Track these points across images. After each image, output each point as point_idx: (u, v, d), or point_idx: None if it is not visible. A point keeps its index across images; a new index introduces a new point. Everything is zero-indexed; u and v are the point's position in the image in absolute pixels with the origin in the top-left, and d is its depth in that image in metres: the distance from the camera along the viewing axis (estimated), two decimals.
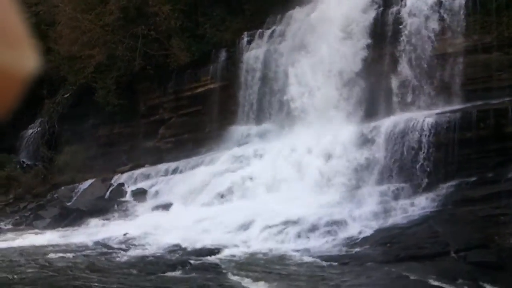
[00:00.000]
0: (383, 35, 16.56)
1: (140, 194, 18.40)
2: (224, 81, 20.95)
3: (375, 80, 16.44)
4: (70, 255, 11.96)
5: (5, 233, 15.63)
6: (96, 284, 8.90)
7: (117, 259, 11.41)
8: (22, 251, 12.60)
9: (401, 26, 15.93)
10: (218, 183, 16.56)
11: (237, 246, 12.29)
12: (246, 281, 9.18)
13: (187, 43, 21.79)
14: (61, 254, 11.98)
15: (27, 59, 0.52)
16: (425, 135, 13.77)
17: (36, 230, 16.01)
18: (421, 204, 12.92)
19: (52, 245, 13.25)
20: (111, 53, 22.40)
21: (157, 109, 23.17)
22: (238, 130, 19.58)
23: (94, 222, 16.42)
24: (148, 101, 23.38)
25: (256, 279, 9.22)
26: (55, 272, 9.91)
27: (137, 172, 20.19)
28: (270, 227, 13.09)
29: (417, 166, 13.63)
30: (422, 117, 14.34)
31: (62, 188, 20.43)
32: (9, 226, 17.27)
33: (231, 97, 20.43)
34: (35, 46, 0.53)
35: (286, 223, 13.01)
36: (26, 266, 10.52)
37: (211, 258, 11.34)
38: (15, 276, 9.48)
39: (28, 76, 0.52)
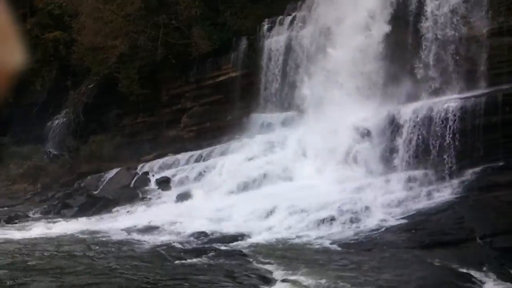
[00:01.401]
0: (406, 18, 16.32)
1: (164, 183, 18.64)
2: (245, 69, 20.95)
3: (399, 65, 16.23)
4: (97, 242, 12.23)
5: (34, 222, 16.01)
6: (122, 270, 9.09)
7: (143, 246, 11.61)
8: (51, 239, 12.91)
9: (424, 9, 15.67)
10: (241, 170, 16.65)
11: (260, 233, 12.37)
12: (269, 267, 9.26)
13: (208, 32, 21.82)
14: (88, 242, 12.25)
15: (13, 54, 0.53)
16: (450, 120, 13.59)
17: (65, 218, 16.36)
18: (446, 190, 12.80)
19: (80, 233, 13.54)
20: (133, 43, 22.58)
21: (179, 98, 23.32)
22: (260, 117, 19.60)
23: (120, 210, 16.72)
24: (170, 90, 23.54)
25: (279, 265, 9.30)
26: (83, 259, 10.15)
27: (161, 161, 20.44)
28: (293, 214, 13.14)
29: (442, 151, 13.48)
30: (447, 102, 14.14)
31: (89, 177, 20.80)
32: (38, 215, 17.67)
33: (252, 85, 20.44)
34: (20, 42, 0.55)
35: (310, 210, 13.03)
36: (55, 253, 10.79)
37: (235, 245, 11.45)
38: (44, 263, 9.75)
39: (15, 70, 0.55)
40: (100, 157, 22.29)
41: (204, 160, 18.93)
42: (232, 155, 17.88)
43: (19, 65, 0.55)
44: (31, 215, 17.65)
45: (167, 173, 19.19)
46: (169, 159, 20.37)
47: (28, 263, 9.75)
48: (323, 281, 8.16)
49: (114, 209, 16.96)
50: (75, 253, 10.80)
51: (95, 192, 19.22)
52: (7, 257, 10.42)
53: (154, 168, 20.00)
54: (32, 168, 22.76)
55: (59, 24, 26.30)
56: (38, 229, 14.35)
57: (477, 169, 12.88)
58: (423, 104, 14.69)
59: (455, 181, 12.94)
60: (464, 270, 8.72)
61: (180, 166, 19.39)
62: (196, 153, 19.70)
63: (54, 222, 15.56)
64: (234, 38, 21.33)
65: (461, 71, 15.16)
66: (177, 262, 9.98)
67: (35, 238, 13.04)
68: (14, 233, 14.00)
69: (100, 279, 8.44)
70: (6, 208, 18.79)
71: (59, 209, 17.98)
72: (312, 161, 15.81)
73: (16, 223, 15.93)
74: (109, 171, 20.59)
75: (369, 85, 16.60)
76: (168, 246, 11.45)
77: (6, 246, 11.98)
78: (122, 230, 13.62)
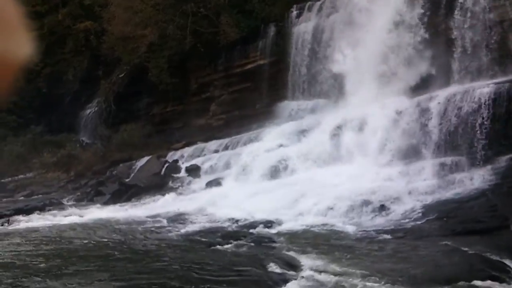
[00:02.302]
0: (438, 4, 15.96)
1: (194, 170, 18.83)
2: (273, 57, 20.88)
3: (430, 50, 15.93)
4: (129, 229, 12.48)
5: (68, 209, 16.43)
6: (153, 256, 9.27)
7: (173, 232, 11.80)
8: (84, 225, 13.25)
9: None
10: (270, 158, 16.68)
11: (289, 220, 12.39)
12: (297, 255, 9.28)
13: (236, 19, 21.81)
14: (121, 228, 12.52)
15: (21, 47, 0.52)
16: (483, 106, 13.27)
17: (97, 205, 16.75)
18: (479, 177, 12.54)
19: (113, 220, 13.84)
20: (162, 32, 22.77)
21: (208, 86, 23.45)
22: (289, 105, 19.55)
23: (151, 197, 17.01)
24: (199, 79, 23.69)
25: (308, 253, 9.30)
26: (116, 246, 10.37)
27: (190, 149, 20.65)
28: (322, 201, 13.10)
29: (475, 138, 13.20)
30: (480, 87, 13.82)
31: (120, 165, 21.19)
32: (72, 202, 18.13)
33: (280, 72, 20.38)
34: (29, 34, 0.54)
35: (339, 197, 12.98)
36: (88, 239, 11.07)
37: (264, 232, 11.51)
38: (78, 249, 10.01)
39: (23, 63, 0.54)
40: (131, 146, 22.68)
41: (233, 148, 19.04)
42: (261, 143, 17.91)
43: (27, 57, 0.55)
44: (65, 202, 18.12)
45: (196, 161, 19.39)
46: (198, 147, 20.56)
47: (67, 250, 10.03)
48: (351, 269, 8.14)
49: (145, 197, 17.27)
50: (110, 239, 11.05)
51: (127, 180, 19.57)
52: (43, 244, 10.74)
53: (183, 156, 20.23)
54: (66, 156, 23.33)
55: (90, 14, 26.72)
56: (72, 216, 14.74)
57: (511, 156, 12.58)
58: (455, 90, 14.39)
59: (488, 168, 12.66)
60: (497, 258, 8.55)
61: (209, 154, 19.56)
62: (225, 141, 19.82)
63: (88, 209, 15.94)
64: (262, 25, 21.27)
65: (494, 56, 14.77)
66: (206, 248, 10.11)
67: (70, 225, 13.39)
68: (49, 220, 14.41)
69: (138, 265, 8.63)
70: (40, 196, 19.36)
71: (92, 196, 18.40)
72: (342, 149, 15.70)
73: (50, 210, 16.38)
74: (140, 159, 20.94)
75: (399, 71, 16.35)
76: (198, 233, 11.60)
77: (42, 233, 12.35)
78: (153, 217, 13.86)
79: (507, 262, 8.42)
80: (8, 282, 7.63)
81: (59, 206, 17.17)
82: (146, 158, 20.81)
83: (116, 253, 9.55)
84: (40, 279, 7.69)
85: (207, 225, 12.40)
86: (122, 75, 25.39)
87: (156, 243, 10.73)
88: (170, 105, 24.58)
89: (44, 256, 9.29)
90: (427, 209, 11.71)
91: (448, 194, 12.24)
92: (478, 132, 13.19)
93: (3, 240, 11.31)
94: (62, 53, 27.54)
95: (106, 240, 11.00)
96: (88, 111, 27.06)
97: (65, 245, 10.41)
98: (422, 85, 15.65)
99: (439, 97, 14.44)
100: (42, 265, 8.53)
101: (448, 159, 13.40)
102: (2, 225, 14.06)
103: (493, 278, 7.69)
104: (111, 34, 24.21)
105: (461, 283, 7.45)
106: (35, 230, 12.94)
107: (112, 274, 7.90)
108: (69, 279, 7.64)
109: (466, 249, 9.18)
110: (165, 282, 7.49)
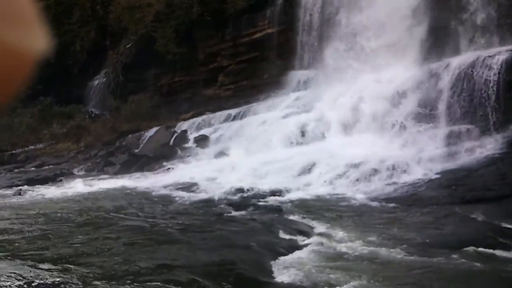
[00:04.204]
0: None
1: (202, 141, 18.87)
2: (281, 25, 20.62)
3: (442, 18, 15.65)
4: (140, 197, 12.62)
5: (79, 179, 16.59)
6: (163, 224, 9.37)
7: (183, 201, 11.91)
8: (96, 194, 13.40)
9: None
10: (278, 128, 16.66)
11: (298, 189, 12.44)
12: (306, 221, 9.36)
13: None
14: (132, 197, 12.66)
15: (36, 40, 0.51)
16: (494, 74, 13.09)
17: (108, 175, 16.90)
18: (489, 146, 12.48)
19: (124, 189, 13.98)
20: (169, 1, 22.53)
21: (215, 56, 23.27)
22: (297, 75, 19.40)
23: (161, 167, 17.12)
24: (206, 48, 23.49)
25: (316, 220, 9.37)
26: (127, 214, 10.50)
27: (199, 119, 20.65)
28: (331, 170, 13.12)
29: (486, 106, 13.07)
30: (492, 54, 13.60)
31: (129, 136, 21.27)
32: (82, 172, 18.30)
33: (289, 41, 20.15)
34: (44, 26, 0.52)
35: (348, 166, 12.99)
36: (99, 208, 11.21)
37: (273, 200, 11.58)
38: (88, 218, 10.15)
39: (38, 56, 0.52)
40: (139, 116, 22.72)
41: (241, 118, 19.01)
42: (269, 113, 17.87)
43: (41, 52, 0.53)
44: (75, 172, 18.29)
45: (205, 131, 19.41)
46: (206, 117, 20.55)
47: (78, 219, 10.17)
48: (360, 235, 8.20)
49: (155, 167, 17.38)
50: (121, 208, 11.18)
51: (136, 151, 19.67)
52: (55, 213, 10.89)
53: (192, 127, 20.25)
54: (75, 127, 23.42)
55: None
56: (84, 186, 14.89)
57: None
58: (466, 57, 14.19)
59: (499, 137, 12.58)
60: (507, 225, 8.57)
61: (218, 124, 19.56)
62: (233, 111, 19.78)
63: (98, 179, 16.10)
64: None
65: (506, 23, 14.49)
66: (216, 216, 10.21)
67: (82, 194, 13.55)
68: (60, 190, 14.58)
69: (148, 232, 8.75)
70: (51, 166, 19.52)
71: (102, 166, 18.55)
72: (351, 118, 15.63)
73: (61, 180, 16.55)
74: (149, 129, 21.00)
75: (410, 39, 16.11)
76: (207, 201, 11.70)
77: (54, 203, 12.52)
78: (163, 186, 13.97)
79: None
80: (22, 248, 7.77)
81: (70, 176, 17.34)
82: (154, 129, 20.86)
83: (127, 222, 9.68)
84: (52, 246, 7.82)
85: (216, 194, 12.49)
86: (129, 45, 25.24)
87: (166, 211, 10.86)
88: (177, 76, 24.48)
89: (55, 225, 9.43)
90: (437, 177, 11.70)
91: (458, 162, 12.22)
92: (490, 100, 13.06)
93: (16, 210, 11.49)
94: (69, 23, 27.37)
95: (117, 209, 11.13)
96: (96, 82, 27.03)
97: (77, 214, 10.55)
98: (434, 53, 15.43)
99: (451, 64, 14.26)
100: (53, 233, 8.66)
101: (459, 128, 13.32)
102: (14, 195, 14.25)
103: (502, 245, 7.72)
104: (117, 3, 24.00)
105: (470, 249, 7.49)
106: (47, 200, 13.12)
107: (123, 243, 8.01)
108: (81, 247, 7.76)
109: (475, 216, 9.21)
110: (175, 249, 7.60)
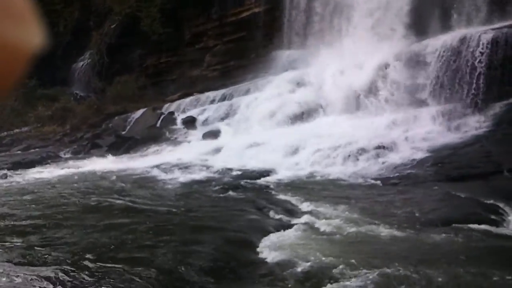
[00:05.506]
0: None
1: (190, 122, 18.81)
2: (268, 4, 20.47)
3: None
4: (130, 179, 12.59)
5: (66, 161, 16.49)
6: (153, 205, 9.38)
7: (171, 182, 11.91)
8: (84, 176, 13.34)
9: None
10: (266, 108, 16.64)
11: (286, 169, 12.50)
12: (294, 201, 9.42)
13: None
14: (121, 179, 12.62)
15: (31, 35, 0.51)
16: (480, 52, 13.15)
17: (94, 158, 16.80)
18: (474, 124, 12.60)
19: (112, 171, 13.93)
20: None
21: (202, 36, 23.08)
22: (285, 54, 19.32)
23: (148, 149, 17.07)
24: (192, 28, 23.28)
25: (304, 199, 9.43)
26: (117, 196, 10.48)
27: (186, 100, 20.55)
28: (319, 150, 13.18)
29: (471, 85, 13.16)
30: (478, 33, 13.64)
31: (116, 117, 21.12)
32: (69, 155, 18.18)
33: (276, 20, 20.04)
34: (39, 21, 0.52)
35: (336, 146, 13.06)
36: (88, 190, 11.17)
37: (262, 181, 11.63)
38: (80, 201, 10.12)
39: (33, 51, 0.51)
40: (125, 98, 22.55)
41: (228, 99, 18.95)
42: (257, 93, 17.83)
43: (37, 47, 0.52)
44: (62, 155, 18.16)
45: (192, 112, 19.33)
46: (193, 98, 20.45)
47: (66, 201, 10.13)
48: (347, 213, 8.28)
49: (142, 149, 17.32)
50: (110, 190, 11.16)
51: (123, 133, 19.57)
52: (42, 196, 10.84)
53: (179, 108, 20.15)
54: (60, 109, 23.20)
55: None
56: (71, 169, 14.81)
57: (506, 102, 12.58)
58: (452, 36, 14.22)
59: (483, 115, 12.70)
60: (492, 202, 8.71)
61: (205, 105, 19.48)
62: (221, 92, 19.70)
63: (86, 161, 16.01)
64: None
65: (493, 2, 14.52)
66: (204, 197, 10.24)
67: (69, 176, 13.48)
68: (47, 173, 14.49)
69: (138, 213, 8.76)
70: (37, 149, 19.36)
71: (89, 149, 18.45)
72: (338, 98, 15.65)
73: (48, 163, 16.43)
74: (135, 111, 20.86)
75: (395, 18, 16.09)
76: (196, 183, 11.71)
77: (41, 186, 12.44)
78: (151, 167, 13.94)
79: (501, 205, 8.57)
80: (6, 233, 7.74)
81: (57, 159, 17.22)
82: (141, 111, 20.73)
83: (117, 201, 9.67)
84: (38, 230, 7.80)
85: (205, 175, 12.50)
86: (114, 25, 24.90)
87: (156, 192, 10.86)
88: (163, 57, 24.25)
89: (42, 208, 9.39)
90: (423, 156, 11.81)
91: (443, 140, 12.33)
92: (475, 79, 13.14)
93: (1, 194, 11.40)
94: (53, 3, 26.89)
95: (106, 190, 11.11)
96: (81, 63, 26.70)
97: (65, 197, 10.50)
98: (418, 32, 15.45)
99: (435, 43, 14.29)
100: (40, 217, 8.63)
101: (444, 106, 13.41)
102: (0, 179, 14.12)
103: (488, 221, 7.86)
104: None
105: (456, 225, 7.62)
106: (33, 183, 13.03)
107: (111, 224, 8.01)
108: (69, 230, 7.75)
109: (460, 193, 9.33)
110: (164, 229, 7.62)
